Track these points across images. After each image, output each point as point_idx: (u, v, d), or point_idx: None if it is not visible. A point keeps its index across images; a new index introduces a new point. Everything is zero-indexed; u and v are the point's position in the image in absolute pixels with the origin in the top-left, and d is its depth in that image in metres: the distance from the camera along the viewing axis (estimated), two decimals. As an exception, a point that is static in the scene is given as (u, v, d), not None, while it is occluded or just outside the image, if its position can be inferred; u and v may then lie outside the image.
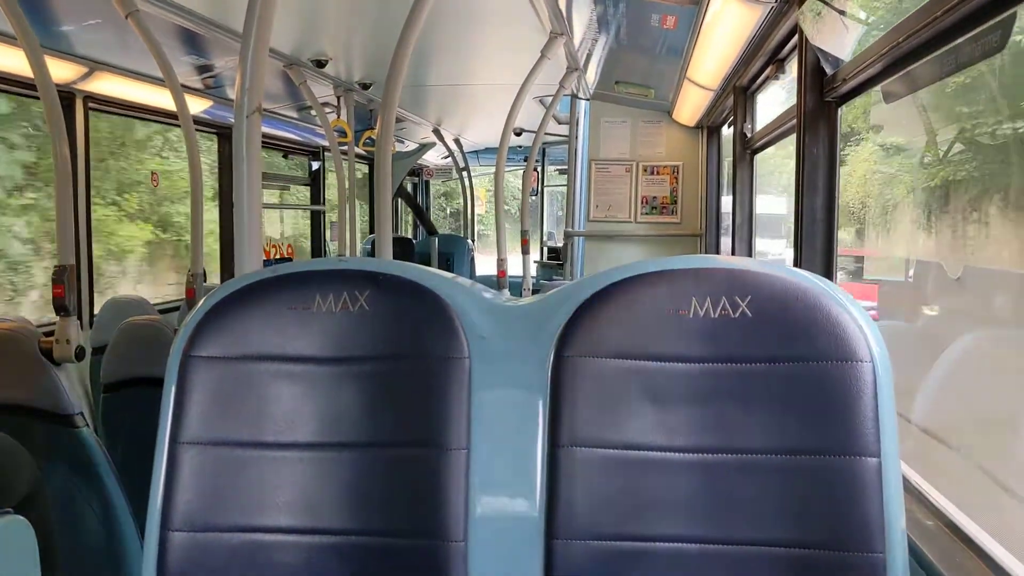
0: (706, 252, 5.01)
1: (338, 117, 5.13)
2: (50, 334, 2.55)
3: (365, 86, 5.02)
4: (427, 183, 10.06)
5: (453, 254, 8.30)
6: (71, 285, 2.59)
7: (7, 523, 2.12)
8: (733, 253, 3.96)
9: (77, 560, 2.56)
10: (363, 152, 6.31)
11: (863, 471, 1.14)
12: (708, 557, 1.18)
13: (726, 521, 1.18)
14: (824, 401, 1.17)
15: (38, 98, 2.61)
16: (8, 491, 2.17)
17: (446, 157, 8.71)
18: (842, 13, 2.12)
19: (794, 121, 2.42)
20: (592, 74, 4.80)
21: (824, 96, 2.26)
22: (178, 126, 3.51)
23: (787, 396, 1.18)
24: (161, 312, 4.20)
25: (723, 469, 1.19)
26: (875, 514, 1.14)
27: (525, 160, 5.74)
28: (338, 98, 5.05)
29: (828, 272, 2.25)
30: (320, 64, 4.36)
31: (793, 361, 1.18)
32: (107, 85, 4.12)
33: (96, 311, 4.12)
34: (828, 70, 2.22)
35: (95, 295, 4.31)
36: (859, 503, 1.14)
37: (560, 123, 5.95)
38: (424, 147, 8.23)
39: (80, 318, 2.79)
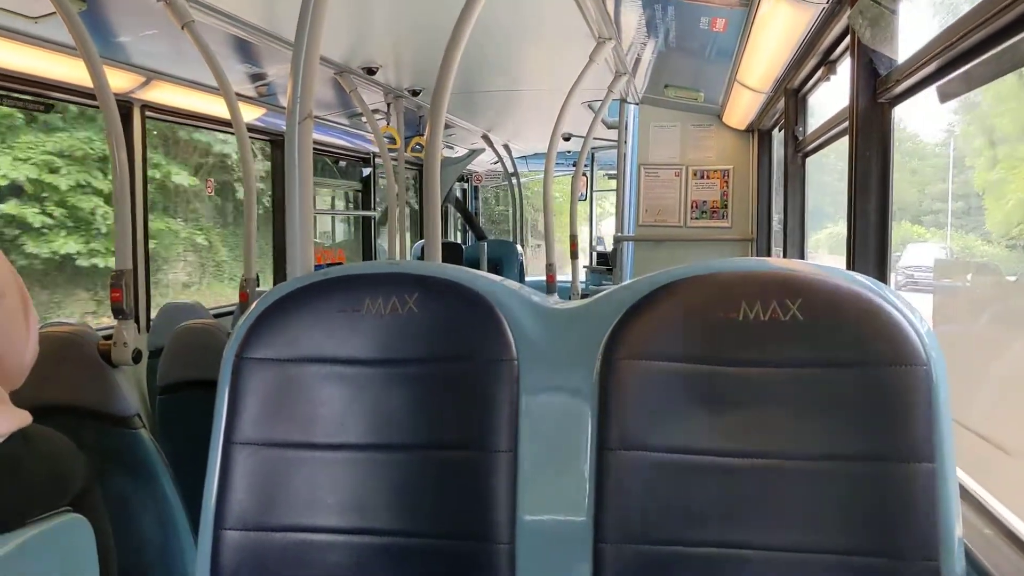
0: (758, 256, 4.95)
1: (387, 123, 5.17)
2: (108, 337, 2.61)
3: (414, 92, 5.05)
4: (476, 189, 10.10)
5: (502, 259, 8.30)
6: (128, 289, 2.65)
7: (67, 521, 2.17)
8: (784, 258, 3.90)
9: (133, 557, 2.61)
10: (413, 158, 6.36)
11: (918, 477, 1.12)
12: (759, 563, 1.17)
13: (778, 527, 1.17)
14: (878, 406, 1.15)
15: (98, 107, 2.67)
16: (62, 489, 2.22)
17: (495, 163, 8.72)
18: (894, 12, 2.09)
19: (846, 123, 2.38)
20: (641, 78, 4.78)
21: (877, 97, 2.22)
22: (232, 133, 3.57)
23: (840, 400, 1.16)
24: (215, 316, 4.27)
25: (773, 474, 1.17)
26: (930, 521, 1.11)
27: (574, 165, 5.73)
28: (388, 105, 5.09)
29: (882, 276, 2.21)
30: (370, 72, 4.41)
31: (846, 365, 1.16)
32: (163, 94, 4.20)
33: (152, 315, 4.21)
34: (881, 71, 2.19)
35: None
36: (914, 509, 1.12)
37: (609, 128, 5.92)
38: (473, 153, 8.26)
39: (137, 322, 2.86)
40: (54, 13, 2.61)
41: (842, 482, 1.15)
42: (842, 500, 1.14)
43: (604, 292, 1.32)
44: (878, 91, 2.21)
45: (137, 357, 2.61)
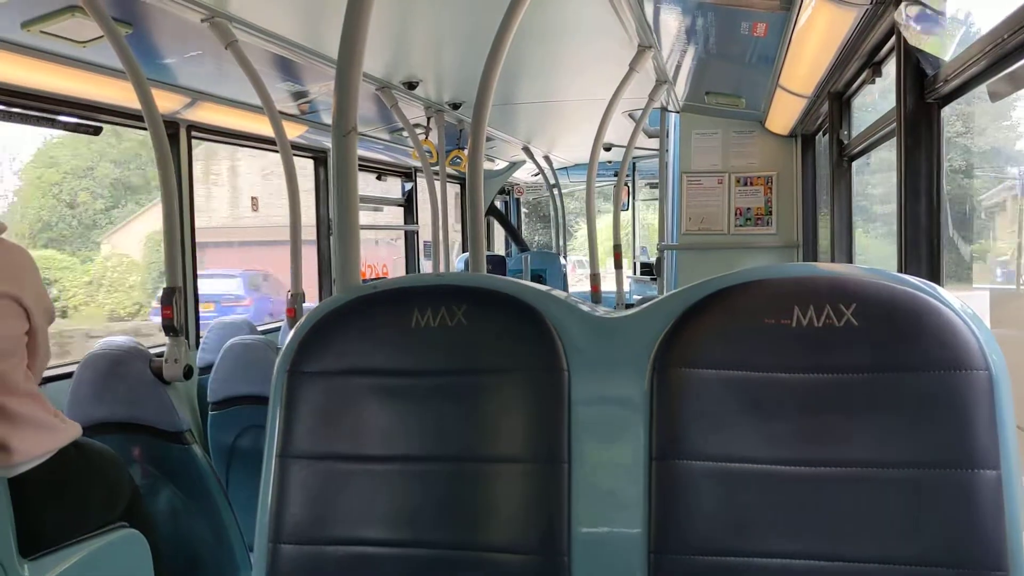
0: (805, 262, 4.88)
1: (426, 138, 5.20)
2: (160, 355, 2.66)
3: (455, 106, 5.08)
4: (518, 201, 10.11)
5: (545, 271, 8.30)
6: (179, 307, 2.69)
7: (123, 536, 2.20)
8: (832, 262, 3.85)
9: (187, 570, 2.64)
10: (455, 172, 6.39)
11: (981, 484, 1.09)
12: (816, 573, 1.14)
13: (834, 536, 1.14)
14: (938, 411, 1.12)
15: (146, 128, 2.72)
16: (114, 501, 2.26)
17: (536, 174, 8.73)
18: (941, 11, 2.06)
19: (893, 125, 2.35)
20: (681, 86, 4.75)
21: (925, 98, 2.18)
22: (276, 151, 3.62)
23: (897, 406, 1.14)
24: (262, 333, 4.32)
25: (830, 482, 1.15)
26: (996, 529, 1.08)
27: (615, 175, 5.71)
28: (428, 119, 5.13)
29: (935, 279, 2.17)
30: (411, 86, 4.44)
31: (903, 370, 1.14)
32: (208, 114, 4.27)
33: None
34: (929, 71, 2.15)
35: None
36: (978, 518, 1.09)
37: (649, 137, 5.89)
38: (514, 165, 8.27)
39: (187, 339, 2.90)
40: (102, 37, 2.66)
41: (902, 490, 1.12)
42: (903, 509, 1.11)
43: (654, 300, 1.31)
44: (926, 91, 2.17)
45: (188, 373, 2.65)
